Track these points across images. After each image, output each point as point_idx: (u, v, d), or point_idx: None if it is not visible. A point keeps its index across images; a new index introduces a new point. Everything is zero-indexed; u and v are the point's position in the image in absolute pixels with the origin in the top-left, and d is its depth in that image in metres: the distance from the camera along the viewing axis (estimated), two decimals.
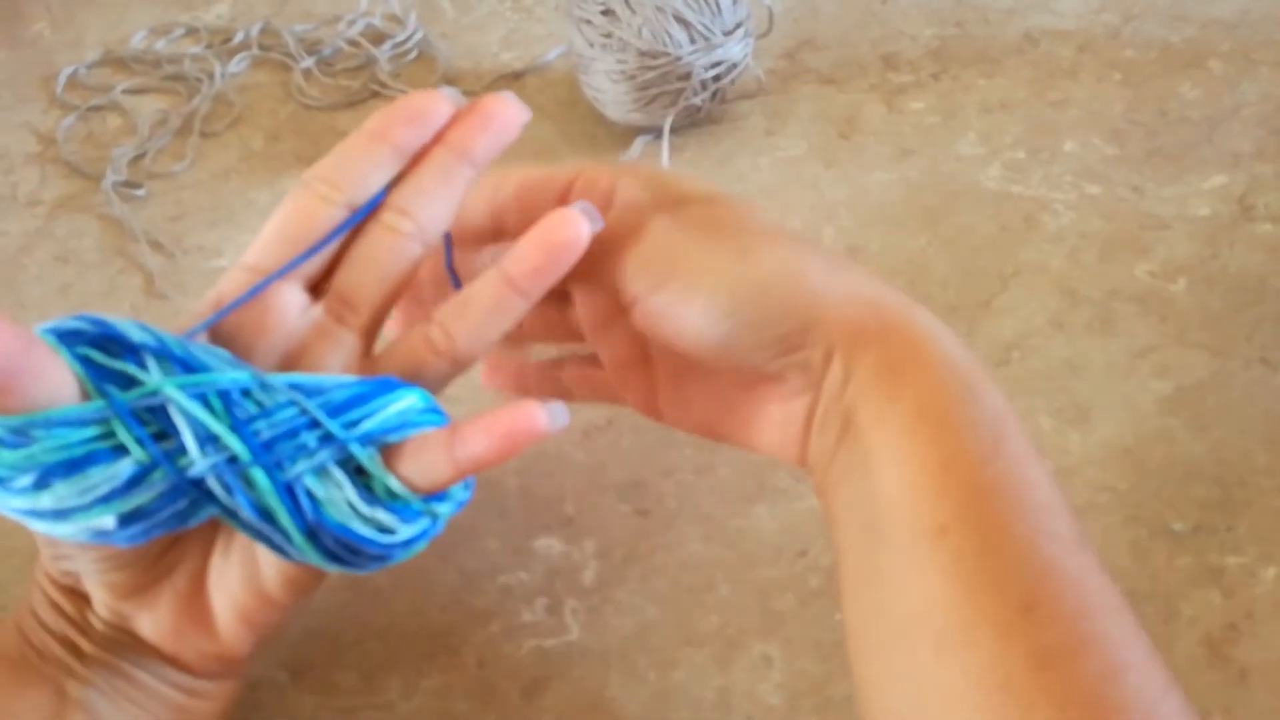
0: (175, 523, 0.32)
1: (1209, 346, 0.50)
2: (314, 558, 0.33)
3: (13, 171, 0.63)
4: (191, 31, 0.71)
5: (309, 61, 0.68)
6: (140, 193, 0.60)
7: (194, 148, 0.63)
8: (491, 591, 0.43)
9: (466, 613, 0.43)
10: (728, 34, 0.58)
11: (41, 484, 0.30)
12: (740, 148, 0.60)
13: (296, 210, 0.35)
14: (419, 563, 0.43)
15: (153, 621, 0.35)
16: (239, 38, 0.70)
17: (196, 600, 0.35)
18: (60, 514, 0.30)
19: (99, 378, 0.31)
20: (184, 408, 0.31)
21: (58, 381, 0.30)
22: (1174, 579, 0.42)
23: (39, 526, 0.31)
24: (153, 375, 0.31)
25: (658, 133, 0.60)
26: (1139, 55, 0.64)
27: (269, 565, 0.34)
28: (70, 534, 0.31)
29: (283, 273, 0.34)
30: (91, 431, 0.30)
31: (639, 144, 0.60)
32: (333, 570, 0.34)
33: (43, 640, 0.35)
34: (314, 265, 0.35)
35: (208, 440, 0.31)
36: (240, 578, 0.35)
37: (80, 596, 0.36)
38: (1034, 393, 0.48)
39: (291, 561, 0.34)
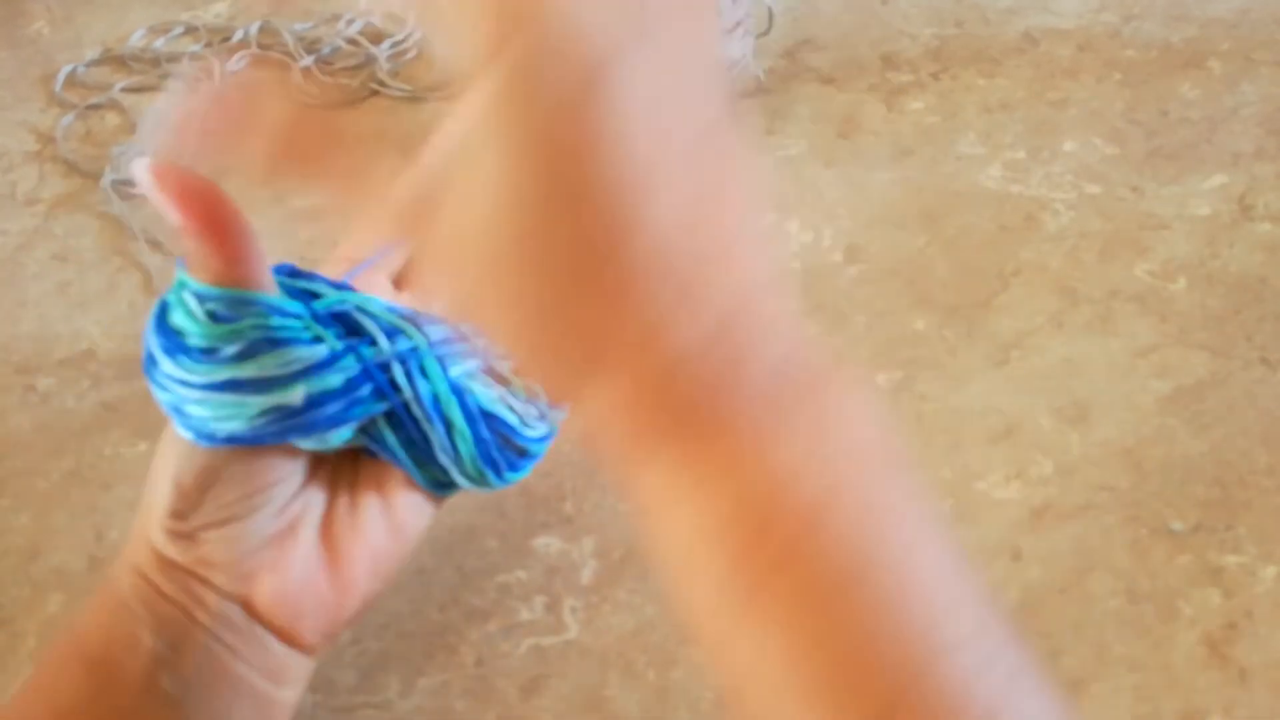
0: (349, 413, 0.34)
1: (1209, 346, 0.50)
2: (466, 463, 0.36)
3: (12, 170, 0.63)
4: (190, 30, 0.71)
5: (308, 60, 0.68)
6: (139, 191, 0.60)
7: None
8: (490, 590, 0.43)
9: (465, 611, 0.43)
10: (727, 33, 0.58)
11: (248, 354, 0.32)
12: None
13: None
14: (417, 561, 0.43)
15: (277, 582, 0.35)
16: (238, 36, 0.70)
17: (322, 551, 0.36)
18: (259, 384, 0.33)
19: (290, 292, 0.35)
20: (369, 310, 0.35)
21: (267, 278, 0.33)
22: (1174, 578, 0.42)
23: (226, 403, 0.33)
24: (333, 294, 0.35)
25: None
26: (1139, 55, 0.64)
27: (400, 495, 0.36)
28: (253, 412, 0.33)
29: (375, 259, 0.38)
30: (293, 321, 0.34)
31: None
32: (467, 486, 0.37)
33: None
34: (399, 259, 0.39)
35: (394, 333, 0.35)
36: (371, 517, 0.36)
37: (195, 578, 0.35)
38: (1034, 392, 0.48)
39: (430, 478, 0.36)
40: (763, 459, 0.25)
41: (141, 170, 0.32)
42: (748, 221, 0.26)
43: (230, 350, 0.32)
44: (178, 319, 0.33)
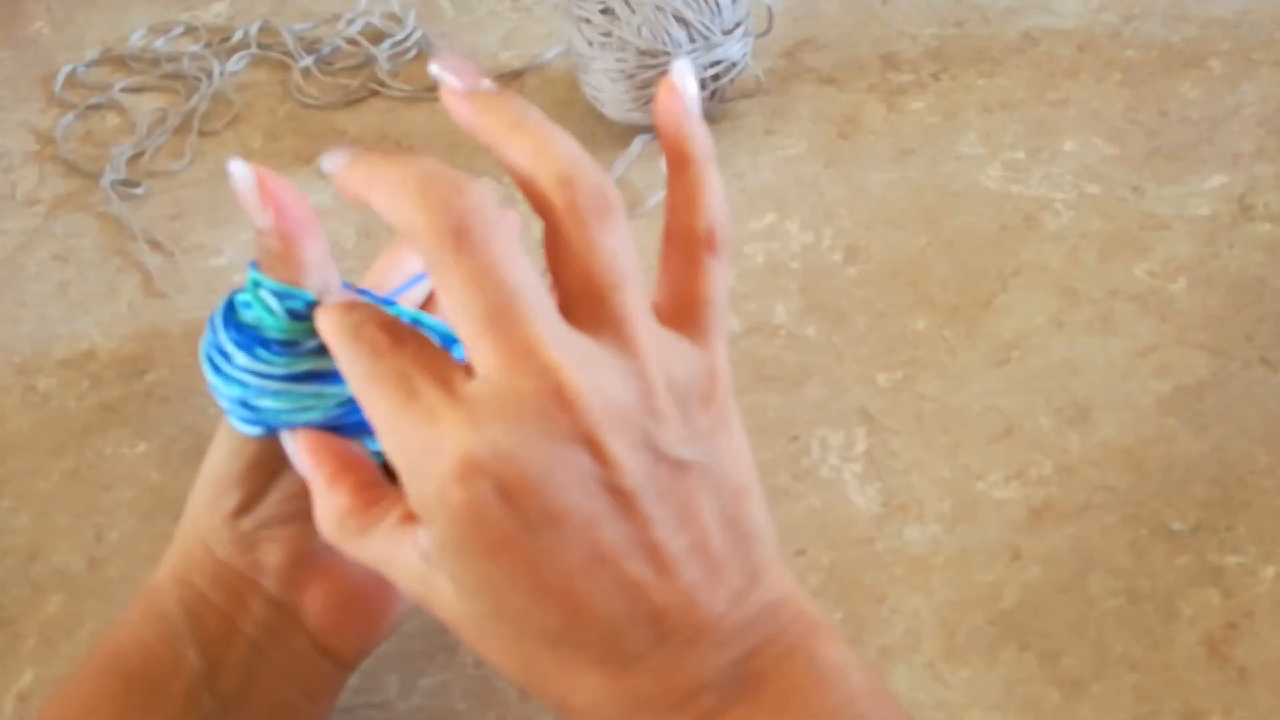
0: None
1: (1209, 346, 0.50)
2: None
3: (11, 170, 0.63)
4: (190, 30, 0.71)
5: (308, 60, 0.68)
6: (139, 191, 0.60)
7: (192, 146, 0.63)
8: None
9: None
10: (727, 33, 0.58)
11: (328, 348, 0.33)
12: (739, 147, 0.60)
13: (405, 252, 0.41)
14: None
15: (327, 590, 0.36)
16: (238, 36, 0.70)
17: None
18: (338, 376, 0.33)
19: None
20: (425, 323, 0.35)
21: (335, 283, 0.34)
22: (1174, 579, 0.42)
23: (305, 394, 0.33)
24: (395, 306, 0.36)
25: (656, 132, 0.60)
26: (1139, 55, 0.64)
27: None
28: (331, 404, 0.34)
29: (406, 287, 0.40)
30: None
31: (638, 143, 0.60)
32: None
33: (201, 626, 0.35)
34: (420, 293, 0.40)
35: (450, 342, 0.35)
36: None
37: (246, 583, 0.36)
38: (1034, 392, 0.48)
39: None
40: None
41: (241, 170, 0.32)
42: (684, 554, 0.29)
43: (312, 344, 0.33)
44: (252, 315, 0.34)
